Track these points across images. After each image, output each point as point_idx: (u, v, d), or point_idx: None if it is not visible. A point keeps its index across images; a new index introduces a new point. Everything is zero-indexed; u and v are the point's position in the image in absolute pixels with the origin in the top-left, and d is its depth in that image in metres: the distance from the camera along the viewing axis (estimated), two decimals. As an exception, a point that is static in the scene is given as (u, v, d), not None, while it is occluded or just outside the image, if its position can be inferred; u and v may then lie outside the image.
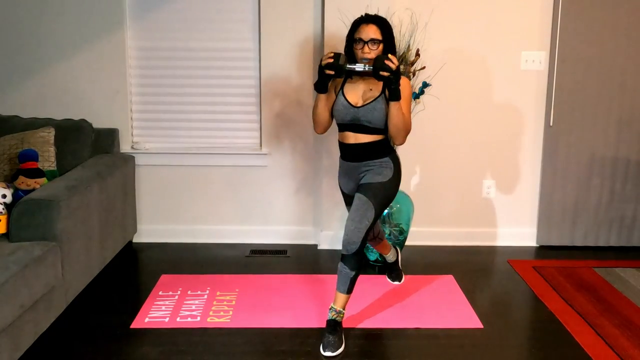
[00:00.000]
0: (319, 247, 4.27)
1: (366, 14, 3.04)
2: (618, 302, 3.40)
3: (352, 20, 3.01)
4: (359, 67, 2.88)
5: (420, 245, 4.27)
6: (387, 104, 2.88)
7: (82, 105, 4.12)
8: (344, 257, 2.89)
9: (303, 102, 4.18)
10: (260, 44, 4.11)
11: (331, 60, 2.86)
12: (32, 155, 3.36)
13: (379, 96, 2.92)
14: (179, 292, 3.49)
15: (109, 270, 3.73)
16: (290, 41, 4.10)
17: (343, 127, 3.02)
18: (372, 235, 3.21)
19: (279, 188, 4.31)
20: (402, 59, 3.73)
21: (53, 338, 2.93)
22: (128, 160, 4.05)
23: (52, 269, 2.86)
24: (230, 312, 3.25)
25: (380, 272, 3.76)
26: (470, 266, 3.95)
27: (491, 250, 4.27)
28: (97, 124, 4.05)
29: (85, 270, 3.28)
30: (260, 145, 4.27)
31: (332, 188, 4.07)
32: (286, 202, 4.33)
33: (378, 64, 2.79)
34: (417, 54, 3.79)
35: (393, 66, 2.77)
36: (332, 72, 2.88)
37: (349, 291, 2.91)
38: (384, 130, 2.95)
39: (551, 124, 4.16)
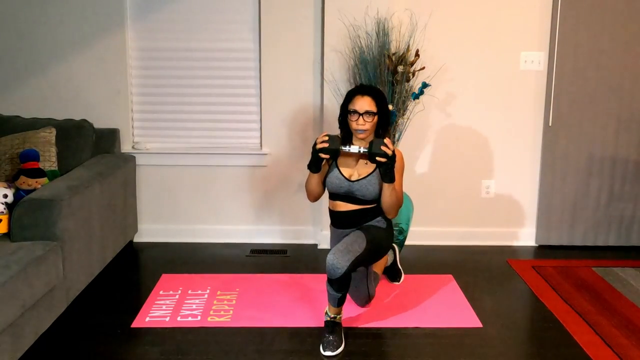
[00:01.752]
0: (318, 247, 4.28)
1: (361, 85, 3.03)
2: (617, 301, 3.41)
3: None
4: (354, 149, 2.89)
5: (420, 245, 4.27)
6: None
7: (83, 106, 4.13)
8: (330, 280, 2.83)
9: (303, 102, 4.18)
10: (260, 44, 4.12)
11: (326, 145, 2.85)
12: (34, 155, 3.37)
13: (373, 171, 2.94)
14: (179, 292, 3.50)
15: (110, 270, 3.73)
16: (290, 41, 4.11)
17: (335, 197, 3.03)
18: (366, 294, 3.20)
19: (279, 188, 4.32)
20: (402, 59, 3.74)
21: (54, 337, 2.94)
22: (129, 160, 4.06)
23: (53, 268, 2.87)
24: (231, 312, 3.26)
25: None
26: (469, 266, 3.96)
27: (491, 250, 4.27)
28: (98, 124, 4.05)
29: (86, 270, 3.29)
30: (260, 145, 4.27)
31: (332, 188, 4.08)
32: (286, 202, 4.34)
33: (374, 149, 2.78)
34: (417, 54, 3.80)
35: (389, 152, 2.78)
36: (327, 156, 2.89)
37: (340, 305, 2.91)
38: (376, 200, 2.99)
39: (550, 124, 4.16)
